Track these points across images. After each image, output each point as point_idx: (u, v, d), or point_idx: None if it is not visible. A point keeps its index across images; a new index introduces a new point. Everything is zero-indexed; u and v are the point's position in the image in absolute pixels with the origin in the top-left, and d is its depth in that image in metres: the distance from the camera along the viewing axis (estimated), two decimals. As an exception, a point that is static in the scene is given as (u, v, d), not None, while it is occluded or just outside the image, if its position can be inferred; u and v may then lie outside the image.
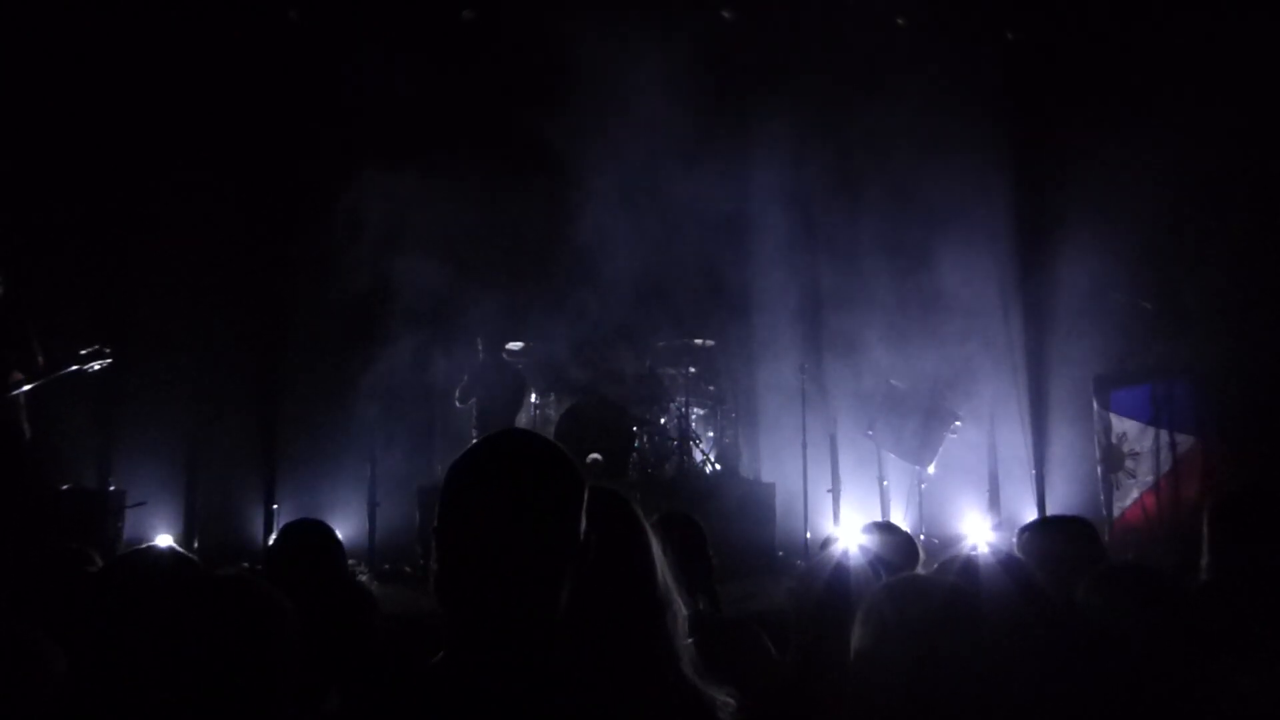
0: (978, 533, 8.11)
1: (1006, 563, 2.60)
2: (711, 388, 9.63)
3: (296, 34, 9.50)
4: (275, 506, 9.30)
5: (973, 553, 2.68)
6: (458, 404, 9.32)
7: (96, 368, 6.98)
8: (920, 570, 3.14)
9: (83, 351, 6.92)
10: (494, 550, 1.56)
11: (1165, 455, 7.54)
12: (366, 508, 8.86)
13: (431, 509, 1.64)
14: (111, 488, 8.49)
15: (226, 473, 9.33)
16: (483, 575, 1.57)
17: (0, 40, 8.34)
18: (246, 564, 8.00)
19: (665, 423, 9.39)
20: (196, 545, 8.71)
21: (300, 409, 9.49)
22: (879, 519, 4.41)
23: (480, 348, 9.36)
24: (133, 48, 9.01)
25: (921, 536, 7.19)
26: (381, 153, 8.90)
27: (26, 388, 6.67)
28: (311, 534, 3.85)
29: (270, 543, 4.46)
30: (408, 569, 8.30)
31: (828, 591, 2.71)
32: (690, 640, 2.01)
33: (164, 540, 6.19)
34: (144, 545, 4.00)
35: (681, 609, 2.04)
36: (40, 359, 6.79)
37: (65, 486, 8.02)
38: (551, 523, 1.60)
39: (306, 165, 9.57)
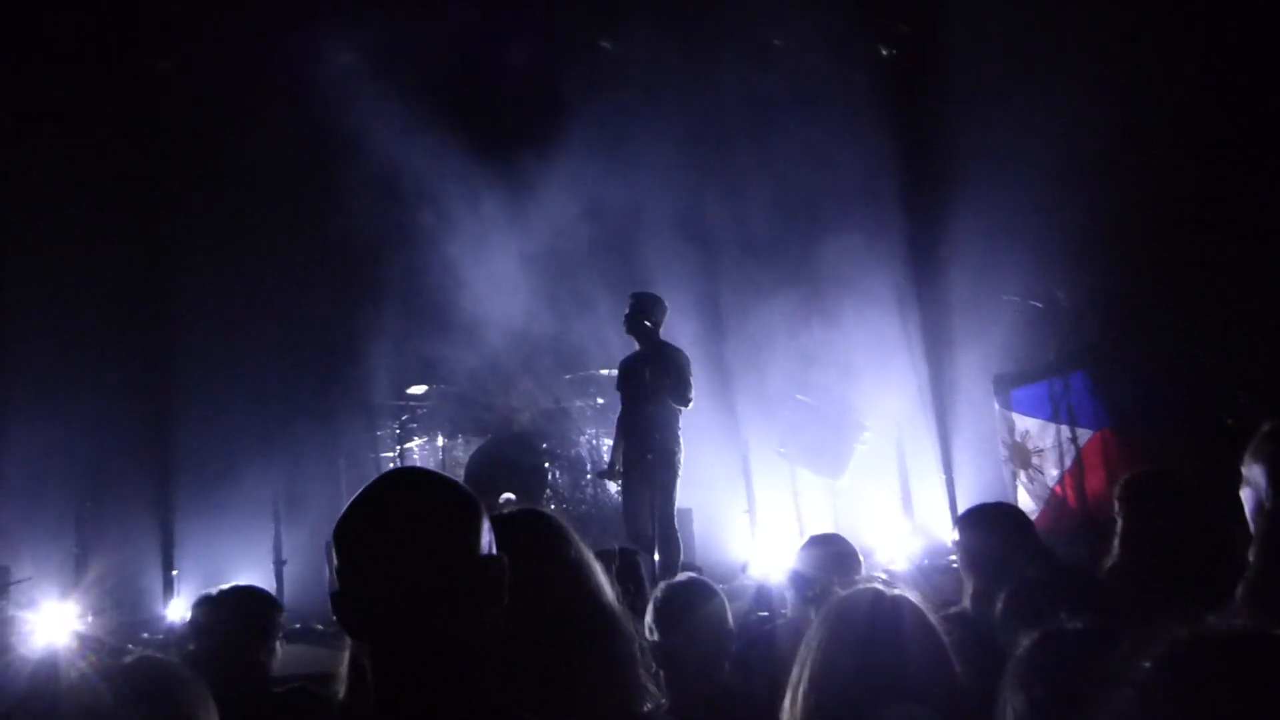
0: (892, 542, 8.23)
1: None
2: (621, 417, 9.54)
3: None
4: (175, 572, 8.88)
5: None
6: None
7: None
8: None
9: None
10: (384, 571, 1.55)
11: (1068, 449, 7.70)
12: (273, 567, 8.54)
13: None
14: (-5, 565, 8.01)
15: (119, 539, 8.82)
16: (377, 596, 1.56)
17: None
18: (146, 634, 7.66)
19: (576, 456, 9.27)
20: (90, 619, 8.22)
21: (196, 467, 9.07)
22: (815, 534, 4.39)
23: None
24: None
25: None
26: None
27: None
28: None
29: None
30: (319, 626, 7.99)
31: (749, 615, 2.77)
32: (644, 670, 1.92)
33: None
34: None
35: (633, 634, 1.93)
36: None
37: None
38: (439, 540, 1.58)
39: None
